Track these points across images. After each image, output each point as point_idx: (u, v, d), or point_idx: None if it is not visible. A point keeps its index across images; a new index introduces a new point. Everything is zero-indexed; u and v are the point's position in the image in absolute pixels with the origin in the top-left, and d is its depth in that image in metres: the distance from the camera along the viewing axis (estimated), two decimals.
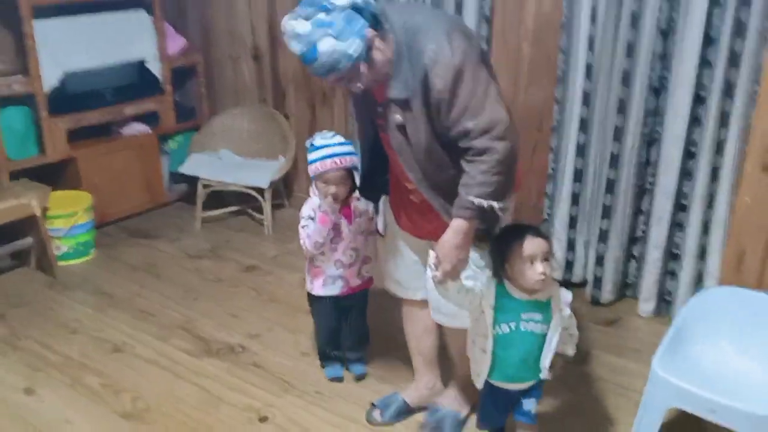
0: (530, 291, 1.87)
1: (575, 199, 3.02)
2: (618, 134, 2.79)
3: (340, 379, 2.56)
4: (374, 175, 2.18)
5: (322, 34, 1.66)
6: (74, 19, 3.52)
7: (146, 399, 2.48)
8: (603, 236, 2.97)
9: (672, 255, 2.90)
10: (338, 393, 2.50)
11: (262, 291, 3.23)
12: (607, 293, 3.04)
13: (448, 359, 2.35)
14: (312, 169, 2.27)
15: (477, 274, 1.97)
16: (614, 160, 2.84)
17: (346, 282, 2.44)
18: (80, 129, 3.66)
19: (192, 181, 3.96)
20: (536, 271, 1.81)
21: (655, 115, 2.76)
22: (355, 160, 2.27)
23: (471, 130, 1.74)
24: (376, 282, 2.51)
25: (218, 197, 3.98)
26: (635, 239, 2.99)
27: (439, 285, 1.90)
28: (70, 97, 3.59)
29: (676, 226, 2.86)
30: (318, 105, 3.92)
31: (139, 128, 3.92)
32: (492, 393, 2.01)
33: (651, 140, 2.81)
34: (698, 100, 2.63)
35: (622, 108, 2.75)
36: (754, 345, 2.24)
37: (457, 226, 1.81)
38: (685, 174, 2.76)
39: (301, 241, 2.33)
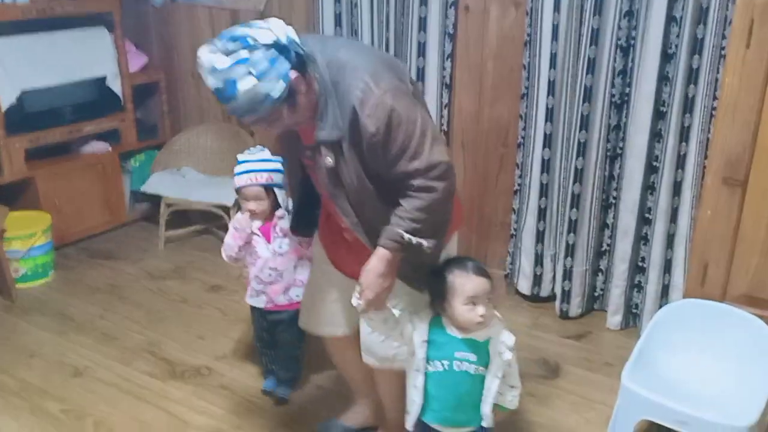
0: (466, 330, 1.79)
1: (542, 213, 3.04)
2: (582, 149, 2.83)
3: (268, 393, 2.53)
4: (307, 211, 2.08)
5: (243, 72, 1.53)
6: (32, 36, 3.44)
7: (109, 424, 2.41)
8: (570, 250, 2.99)
9: (638, 268, 2.94)
10: (315, 415, 2.45)
11: (228, 311, 3.18)
12: (575, 307, 3.06)
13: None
14: (233, 184, 2.31)
15: (406, 304, 1.87)
16: (579, 175, 2.87)
17: (270, 299, 2.41)
18: (39, 148, 3.56)
19: (155, 199, 3.88)
20: (476, 313, 1.74)
21: (617, 130, 2.80)
22: (275, 178, 2.28)
23: (411, 173, 1.66)
24: None
25: (182, 216, 3.91)
26: (602, 253, 3.02)
27: (363, 315, 1.83)
28: (28, 115, 3.50)
29: (641, 239, 2.90)
30: None
31: (99, 146, 3.83)
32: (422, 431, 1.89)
33: (614, 155, 2.85)
34: (659, 115, 2.68)
35: (585, 123, 2.79)
36: (722, 356, 2.27)
37: (381, 255, 1.73)
38: (648, 188, 2.81)
39: (222, 249, 2.39)
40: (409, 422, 1.88)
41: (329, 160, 1.71)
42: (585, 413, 2.46)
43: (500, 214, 3.25)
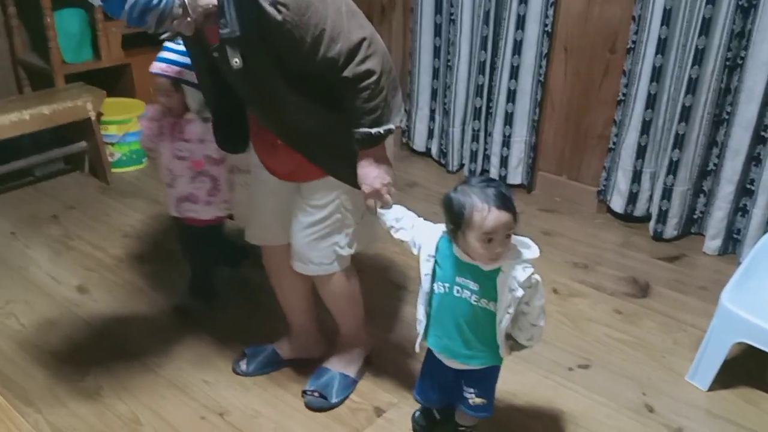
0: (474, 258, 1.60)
1: (646, 127, 2.85)
2: (699, 57, 2.60)
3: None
4: (232, 125, 1.90)
5: None
6: None
7: (194, 305, 2.48)
8: (672, 168, 2.81)
9: (745, 190, 2.74)
10: (383, 310, 2.45)
11: None
12: (671, 228, 2.91)
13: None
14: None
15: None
16: (692, 86, 2.65)
17: (173, 202, 2.29)
18: (135, 35, 3.59)
19: None
20: (491, 250, 1.53)
21: (740, 37, 2.56)
22: (186, 74, 2.07)
23: (336, 60, 1.55)
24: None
25: None
26: (707, 172, 2.83)
27: (380, 215, 1.74)
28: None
29: (753, 159, 2.69)
30: (376, 21, 3.77)
31: None
32: (428, 360, 1.80)
33: (734, 65, 2.61)
34: None
35: (706, 29, 2.55)
36: None
37: (370, 155, 1.67)
38: None
39: None
40: (416, 343, 1.76)
41: (236, 61, 1.57)
42: (674, 333, 2.36)
43: (600, 126, 3.07)
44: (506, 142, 3.29)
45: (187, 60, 2.00)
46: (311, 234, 1.86)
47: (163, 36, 1.59)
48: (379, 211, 1.74)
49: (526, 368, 2.17)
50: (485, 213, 1.51)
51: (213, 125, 1.94)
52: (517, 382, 2.11)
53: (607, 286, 2.62)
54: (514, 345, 1.69)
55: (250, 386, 2.09)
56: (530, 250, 1.59)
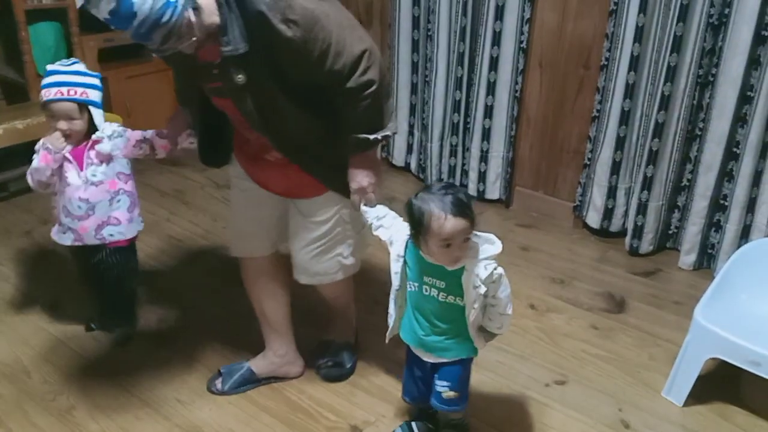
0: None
1: (620, 143, 2.88)
2: (671, 74, 2.64)
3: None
4: (215, 141, 1.95)
5: None
6: None
7: (171, 320, 2.46)
8: (647, 183, 2.84)
9: (719, 205, 2.78)
10: (364, 326, 2.44)
11: None
12: (647, 243, 2.93)
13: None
14: (40, 97, 2.00)
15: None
16: (665, 102, 2.69)
17: (78, 236, 2.09)
18: (110, 49, 3.57)
19: None
20: (451, 254, 1.60)
21: (711, 54, 2.60)
22: (92, 95, 2.00)
23: (341, 72, 1.62)
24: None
25: None
26: (681, 188, 2.86)
27: (364, 214, 1.84)
28: None
29: (726, 175, 2.72)
30: None
31: None
32: (408, 357, 1.87)
33: (705, 82, 2.65)
34: (759, 39, 2.46)
35: (678, 45, 2.59)
36: None
37: (359, 159, 1.77)
38: (739, 120, 2.62)
39: (27, 174, 2.06)
40: (387, 336, 1.85)
41: (240, 78, 1.62)
42: (649, 349, 2.38)
43: (574, 141, 3.10)
44: (484, 157, 3.31)
45: (85, 80, 1.99)
46: (315, 249, 1.93)
47: (159, 55, 1.59)
48: (363, 208, 1.83)
49: (502, 384, 2.17)
50: (442, 221, 1.56)
51: (198, 143, 1.97)
52: (494, 399, 2.11)
53: (584, 302, 2.64)
54: (487, 335, 1.76)
55: (224, 405, 2.07)
56: (494, 246, 1.65)
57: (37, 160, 2.02)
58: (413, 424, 1.95)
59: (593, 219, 3.07)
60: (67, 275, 2.69)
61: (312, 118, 1.73)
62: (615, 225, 3.04)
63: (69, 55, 3.41)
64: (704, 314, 2.04)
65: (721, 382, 2.16)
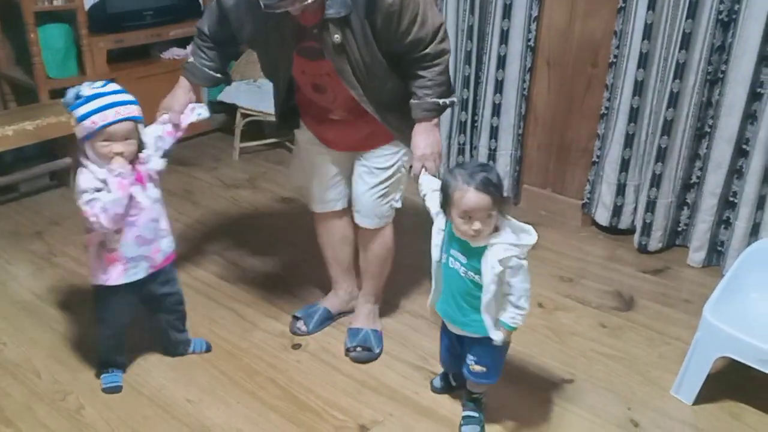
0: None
1: (629, 140, 2.87)
2: (680, 71, 2.62)
3: (119, 389, 2.12)
4: (290, 109, 2.20)
5: None
6: None
7: None
8: (656, 181, 2.83)
9: (728, 203, 2.76)
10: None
11: (299, 223, 3.18)
12: (655, 241, 2.92)
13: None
14: (86, 127, 1.83)
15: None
16: (674, 100, 2.67)
17: (153, 262, 2.03)
18: (119, 50, 3.59)
19: (231, 110, 3.89)
20: (470, 227, 1.67)
21: (721, 51, 2.58)
22: (138, 111, 1.91)
23: (423, 39, 1.87)
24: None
25: (257, 128, 3.91)
26: (690, 185, 2.85)
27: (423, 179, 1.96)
28: (110, 15, 3.52)
29: (735, 172, 2.71)
30: None
31: (178, 52, 3.84)
32: (442, 326, 1.97)
33: (715, 79, 2.64)
34: None
35: (686, 42, 2.57)
36: None
37: (425, 127, 1.98)
38: (749, 117, 2.60)
39: (92, 220, 1.84)
40: (428, 305, 1.95)
41: (337, 37, 1.83)
42: (658, 347, 2.37)
43: (583, 139, 3.09)
44: (492, 156, 3.30)
45: (126, 97, 1.90)
46: (376, 193, 2.16)
47: (272, 9, 1.72)
48: (421, 177, 1.96)
49: (510, 383, 2.16)
50: (464, 193, 1.66)
51: (276, 114, 2.21)
52: (502, 397, 2.10)
53: (592, 300, 2.63)
54: (502, 328, 1.77)
55: (233, 404, 2.08)
56: (528, 235, 1.72)
57: (109, 195, 1.84)
58: (450, 375, 2.10)
59: (602, 216, 3.06)
60: (77, 275, 2.71)
61: (392, 76, 1.96)
62: (624, 222, 3.03)
63: (79, 57, 3.43)
64: (714, 313, 2.03)
65: (731, 381, 2.15)
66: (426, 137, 1.98)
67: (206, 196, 3.43)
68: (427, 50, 1.89)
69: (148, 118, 2.05)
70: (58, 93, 3.36)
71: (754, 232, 2.69)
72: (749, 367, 1.96)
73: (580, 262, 2.89)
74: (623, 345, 2.38)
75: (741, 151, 2.66)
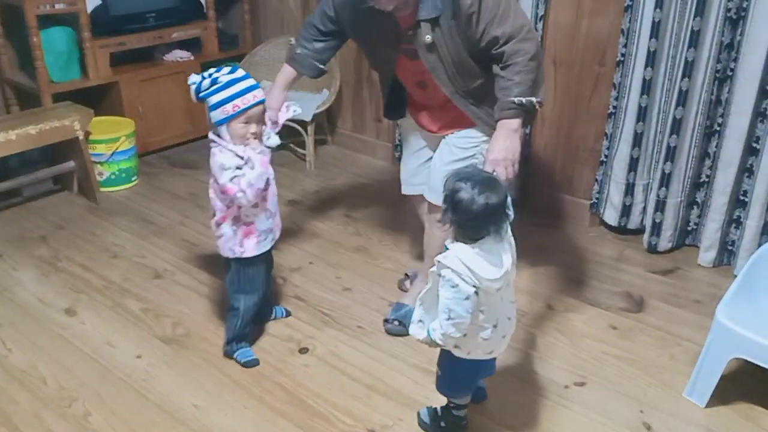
0: None
1: (637, 139, 2.84)
2: (689, 69, 2.60)
3: (257, 361, 2.24)
4: (397, 100, 2.34)
5: None
6: None
7: (186, 325, 2.44)
8: (665, 180, 2.80)
9: (739, 202, 2.73)
10: (379, 329, 2.43)
11: (304, 225, 3.16)
12: (665, 241, 2.89)
13: None
14: (228, 109, 1.96)
15: None
16: (683, 98, 2.65)
17: (274, 234, 2.22)
18: (122, 53, 3.58)
19: None
20: None
21: (730, 48, 2.55)
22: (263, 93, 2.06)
23: (499, 37, 1.92)
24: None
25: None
26: (699, 184, 2.82)
27: None
28: (113, 18, 3.50)
29: (746, 171, 2.68)
30: None
31: (181, 55, 3.82)
32: None
33: (724, 77, 2.61)
34: None
35: (695, 41, 2.55)
36: None
37: (506, 127, 1.97)
38: (759, 115, 2.57)
39: (239, 195, 1.98)
40: None
41: (428, 38, 1.98)
42: (670, 349, 2.34)
43: (591, 139, 3.06)
44: None
45: (255, 82, 2.03)
46: (449, 169, 2.12)
47: (365, 4, 1.91)
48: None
49: (521, 386, 2.14)
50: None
51: (384, 102, 2.35)
52: (512, 402, 2.08)
53: (602, 301, 2.60)
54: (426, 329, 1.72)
55: (240, 410, 2.06)
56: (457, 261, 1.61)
57: (253, 172, 1.98)
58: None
59: (611, 216, 3.03)
60: (82, 280, 2.70)
61: (479, 73, 2.05)
62: (633, 222, 3.00)
63: (82, 61, 3.42)
64: (726, 314, 2.01)
65: (745, 383, 2.13)
66: (503, 142, 1.98)
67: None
68: (503, 49, 1.93)
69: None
70: (61, 97, 3.36)
71: (766, 232, 2.67)
72: (763, 368, 1.94)
73: (590, 263, 2.86)
74: (634, 347, 2.35)
75: (751, 150, 2.64)
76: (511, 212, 1.64)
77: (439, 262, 1.63)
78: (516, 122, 1.97)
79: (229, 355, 2.26)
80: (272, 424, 2.00)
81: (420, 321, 1.76)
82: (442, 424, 1.95)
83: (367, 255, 2.92)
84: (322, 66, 2.35)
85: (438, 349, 1.82)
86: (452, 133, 2.23)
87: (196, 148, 3.95)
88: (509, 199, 1.64)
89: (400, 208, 3.29)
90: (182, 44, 3.85)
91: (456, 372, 1.83)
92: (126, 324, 2.45)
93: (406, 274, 2.65)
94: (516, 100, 1.94)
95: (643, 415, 2.05)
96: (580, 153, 3.12)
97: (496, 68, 1.98)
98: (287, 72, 2.35)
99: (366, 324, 2.46)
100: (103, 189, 3.39)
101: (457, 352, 1.75)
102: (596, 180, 3.08)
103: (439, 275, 1.64)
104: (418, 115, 2.33)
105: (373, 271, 2.80)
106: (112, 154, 3.37)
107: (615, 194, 2.97)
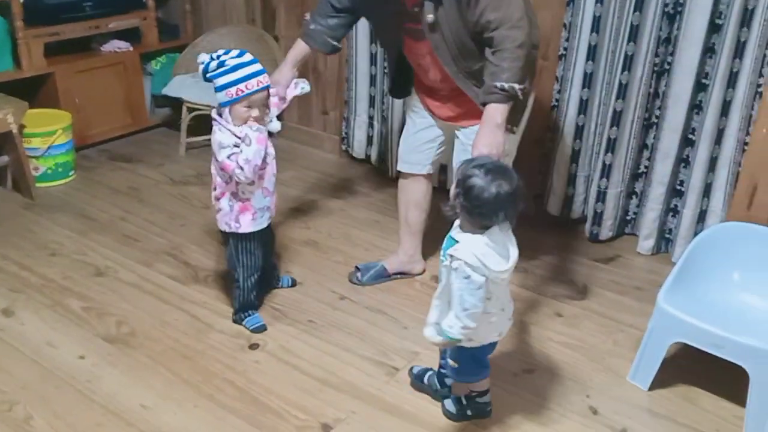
0: None
1: (579, 131, 2.91)
2: (628, 63, 2.67)
3: (265, 327, 2.36)
4: (403, 79, 2.43)
5: None
6: None
7: (131, 323, 2.38)
8: (606, 171, 2.87)
9: (675, 191, 2.83)
10: (331, 322, 2.42)
11: None
12: (606, 230, 2.97)
13: None
14: (232, 92, 2.03)
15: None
16: (622, 91, 2.72)
17: (271, 212, 2.31)
18: (58, 43, 3.45)
19: (176, 105, 3.78)
20: None
21: (667, 43, 2.64)
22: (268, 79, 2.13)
23: (491, 22, 1.98)
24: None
25: (204, 122, 3.81)
26: (638, 175, 2.91)
27: None
28: (47, 7, 3.37)
29: (682, 161, 2.78)
30: None
31: (119, 45, 3.71)
32: None
33: (662, 71, 2.69)
34: (714, 27, 2.51)
35: (634, 35, 2.62)
36: (763, 281, 2.19)
37: (491, 119, 1.99)
38: (695, 107, 2.67)
39: (237, 171, 2.07)
40: None
41: (430, 17, 2.05)
42: (614, 334, 2.41)
43: (534, 131, 3.10)
44: None
45: (261, 67, 2.08)
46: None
47: None
48: None
49: None
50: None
51: (390, 80, 2.47)
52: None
53: (548, 289, 2.66)
54: (440, 331, 1.71)
55: (190, 408, 2.02)
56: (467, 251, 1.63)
57: (250, 149, 2.06)
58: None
59: (554, 207, 3.09)
60: (19, 279, 2.60)
61: (479, 55, 2.08)
62: (575, 212, 3.07)
63: (14, 50, 3.28)
64: (667, 300, 2.08)
65: (686, 366, 2.21)
66: (487, 136, 1.99)
67: (154, 194, 3.33)
68: (493, 34, 1.98)
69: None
70: None
71: (701, 219, 2.77)
72: (702, 352, 2.01)
73: (534, 252, 2.91)
74: (579, 333, 2.42)
75: (687, 141, 2.73)
76: (522, 203, 1.66)
77: (451, 256, 1.64)
78: (500, 114, 1.99)
79: (237, 323, 2.38)
80: (223, 422, 1.98)
81: (436, 323, 1.74)
82: (469, 412, 1.99)
83: (317, 248, 2.91)
84: (335, 43, 2.38)
85: (436, 349, 1.84)
86: (463, 125, 2.29)
87: (136, 141, 3.86)
88: (521, 190, 1.66)
89: (349, 201, 3.28)
90: (121, 34, 3.73)
91: (475, 356, 1.87)
92: (67, 324, 2.37)
93: (357, 267, 2.66)
94: (499, 84, 1.97)
95: (589, 400, 2.11)
96: (524, 145, 3.16)
97: (487, 52, 2.03)
98: (300, 47, 2.39)
99: (317, 318, 2.45)
100: (39, 184, 3.26)
101: (470, 344, 1.79)
102: (540, 171, 3.13)
103: (453, 269, 1.64)
104: (426, 99, 2.39)
105: (324, 264, 2.79)
106: (48, 148, 3.25)
107: (558, 185, 3.04)
